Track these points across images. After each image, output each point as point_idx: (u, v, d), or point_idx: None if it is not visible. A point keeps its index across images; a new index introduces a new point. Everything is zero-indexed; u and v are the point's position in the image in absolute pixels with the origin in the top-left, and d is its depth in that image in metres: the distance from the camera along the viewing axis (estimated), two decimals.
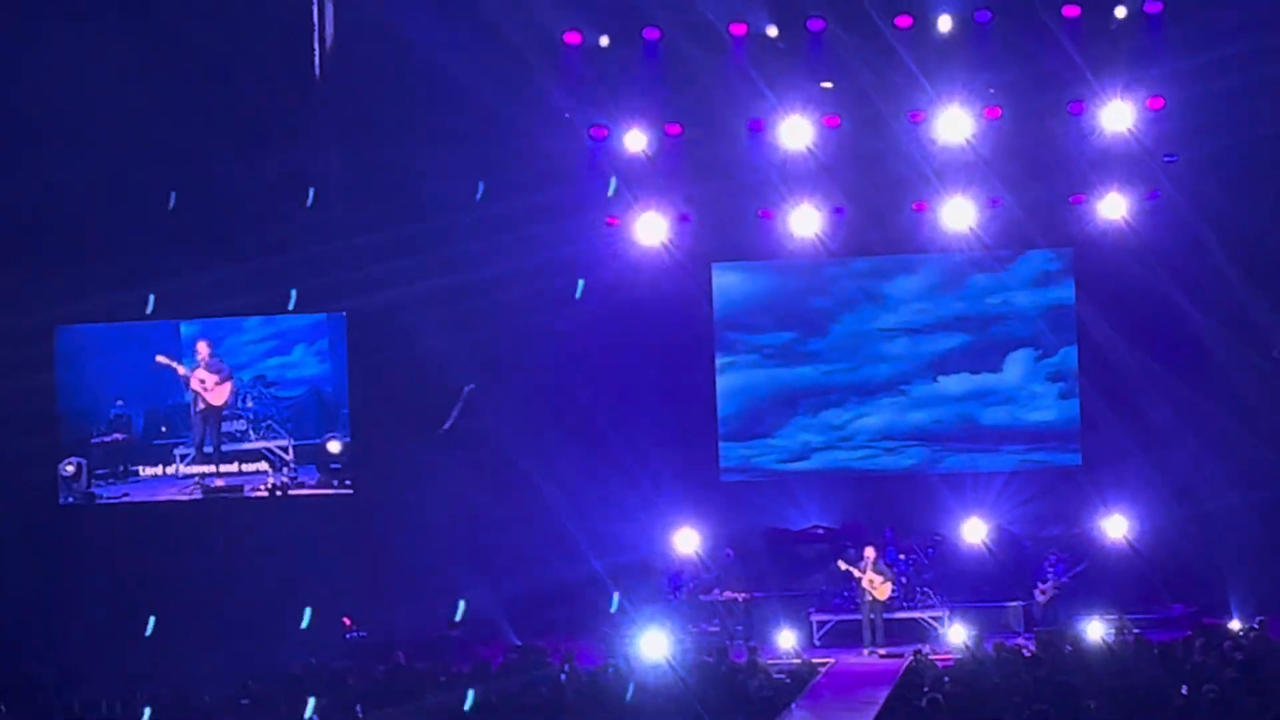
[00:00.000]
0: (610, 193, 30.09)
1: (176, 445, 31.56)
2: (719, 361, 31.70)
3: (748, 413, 31.70)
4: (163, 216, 30.08)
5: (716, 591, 29.14)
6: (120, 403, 31.59)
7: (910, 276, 31.25)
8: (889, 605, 28.12)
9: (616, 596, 28.15)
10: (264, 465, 31.56)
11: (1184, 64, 28.28)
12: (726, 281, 31.69)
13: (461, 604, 28.78)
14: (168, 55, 29.26)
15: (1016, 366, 31.02)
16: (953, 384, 31.17)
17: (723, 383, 31.73)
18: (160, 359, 31.24)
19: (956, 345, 31.15)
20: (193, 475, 31.55)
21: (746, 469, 31.71)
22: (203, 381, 31.35)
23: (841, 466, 31.47)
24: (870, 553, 28.05)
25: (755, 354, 31.64)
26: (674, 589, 29.38)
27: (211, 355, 31.47)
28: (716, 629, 28.53)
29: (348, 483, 31.38)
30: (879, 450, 31.42)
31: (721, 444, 31.72)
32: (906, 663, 25.15)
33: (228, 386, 31.46)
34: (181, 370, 31.26)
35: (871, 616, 27.87)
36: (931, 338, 31.23)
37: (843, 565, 28.20)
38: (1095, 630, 24.89)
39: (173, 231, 29.99)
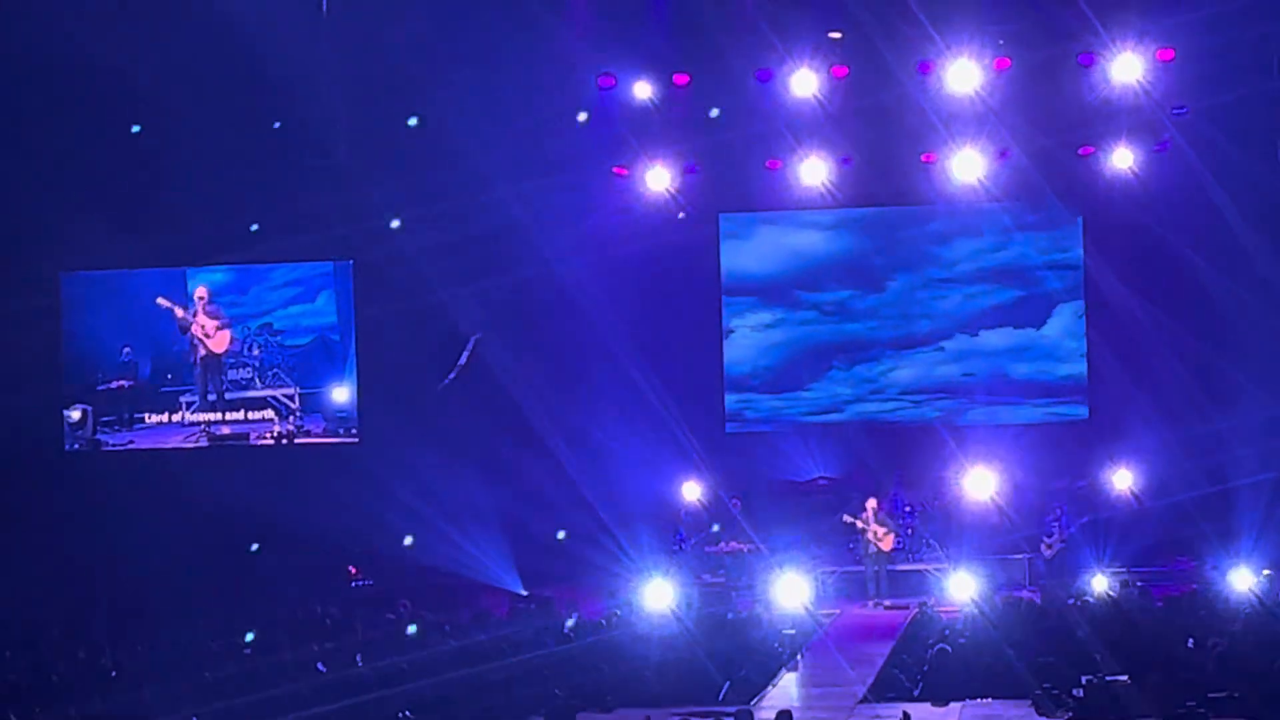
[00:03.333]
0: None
1: (183, 393, 31.57)
2: (768, 317, 31.80)
3: (784, 366, 31.72)
4: (166, 160, 30.00)
5: (722, 542, 29.15)
6: (127, 350, 31.58)
7: (970, 234, 31.20)
8: (893, 557, 28.11)
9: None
10: (270, 413, 31.55)
11: (1194, 15, 28.06)
12: (800, 240, 31.70)
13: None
14: None
15: (1060, 321, 30.96)
16: (993, 338, 31.15)
17: (764, 337, 31.84)
18: (161, 300, 31.21)
19: (1006, 299, 31.11)
20: (198, 423, 31.56)
21: (774, 419, 31.75)
22: (203, 327, 31.33)
23: (861, 419, 31.50)
24: (872, 504, 28.03)
25: (815, 310, 31.65)
26: (679, 540, 29.36)
27: (210, 301, 31.44)
28: (722, 580, 28.55)
29: (354, 431, 31.39)
30: (906, 403, 31.42)
31: (753, 395, 31.81)
32: (912, 614, 25.18)
33: (227, 334, 31.44)
34: (180, 313, 31.22)
35: (876, 568, 27.85)
36: (983, 291, 31.20)
37: (847, 519, 28.16)
38: (1101, 583, 24.87)
39: (177, 176, 29.92)
